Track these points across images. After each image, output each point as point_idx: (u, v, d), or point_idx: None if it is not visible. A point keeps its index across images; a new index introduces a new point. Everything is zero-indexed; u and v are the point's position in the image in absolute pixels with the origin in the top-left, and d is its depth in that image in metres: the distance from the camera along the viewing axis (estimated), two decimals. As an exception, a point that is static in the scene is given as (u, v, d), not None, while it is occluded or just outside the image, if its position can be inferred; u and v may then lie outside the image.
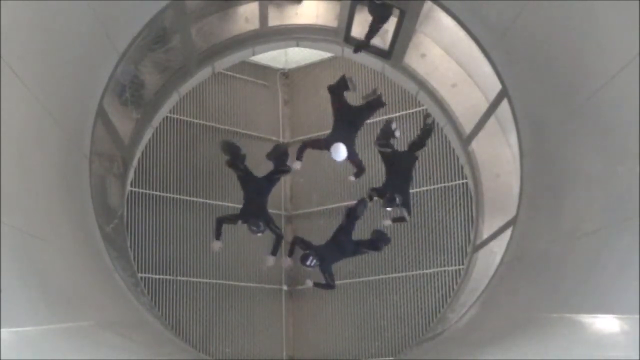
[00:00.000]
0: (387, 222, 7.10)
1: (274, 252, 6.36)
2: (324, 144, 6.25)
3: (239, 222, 6.14)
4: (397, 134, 6.64)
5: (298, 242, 6.48)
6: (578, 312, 2.95)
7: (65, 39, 3.67)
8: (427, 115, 7.03)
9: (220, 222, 6.22)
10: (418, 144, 6.70)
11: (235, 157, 6.08)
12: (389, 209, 6.54)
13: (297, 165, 6.32)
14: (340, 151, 6.05)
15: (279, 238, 6.28)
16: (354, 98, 6.59)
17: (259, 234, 6.10)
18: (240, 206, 6.16)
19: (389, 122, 6.63)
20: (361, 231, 7.67)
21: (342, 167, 7.21)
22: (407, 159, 6.61)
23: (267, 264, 6.51)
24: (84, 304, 3.60)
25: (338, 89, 6.30)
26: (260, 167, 6.44)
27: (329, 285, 6.43)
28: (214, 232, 6.20)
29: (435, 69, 6.95)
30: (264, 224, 5.95)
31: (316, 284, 6.61)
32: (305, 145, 6.49)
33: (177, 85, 6.73)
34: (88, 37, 4.03)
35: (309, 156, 6.68)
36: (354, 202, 6.76)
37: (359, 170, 6.60)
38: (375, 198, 6.60)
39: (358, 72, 9.00)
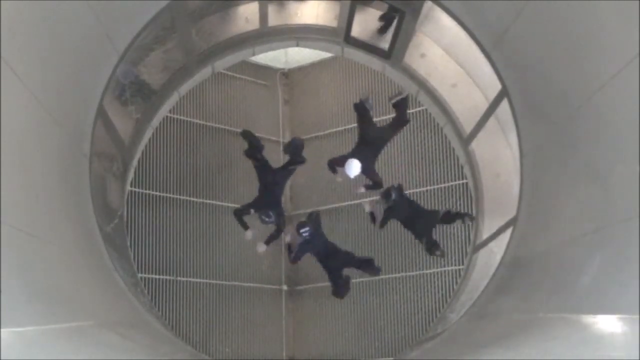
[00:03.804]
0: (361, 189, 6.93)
1: (268, 242, 6.54)
2: (343, 161, 6.20)
3: (252, 211, 6.30)
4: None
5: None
6: (578, 312, 2.95)
7: (66, 39, 3.68)
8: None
9: (238, 214, 6.43)
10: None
11: (253, 146, 6.35)
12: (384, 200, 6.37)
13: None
14: (353, 167, 6.02)
15: (279, 231, 6.43)
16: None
17: (269, 224, 6.23)
18: (237, 207, 6.24)
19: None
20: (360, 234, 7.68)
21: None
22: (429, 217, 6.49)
23: (258, 249, 6.68)
24: (84, 304, 3.60)
25: (361, 110, 6.38)
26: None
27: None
28: (241, 225, 6.44)
29: (435, 69, 6.95)
30: (274, 215, 6.09)
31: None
32: (333, 162, 6.51)
33: (177, 85, 6.72)
34: (88, 38, 4.03)
35: (310, 157, 6.68)
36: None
37: (375, 184, 6.54)
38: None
39: (358, 72, 9.00)
